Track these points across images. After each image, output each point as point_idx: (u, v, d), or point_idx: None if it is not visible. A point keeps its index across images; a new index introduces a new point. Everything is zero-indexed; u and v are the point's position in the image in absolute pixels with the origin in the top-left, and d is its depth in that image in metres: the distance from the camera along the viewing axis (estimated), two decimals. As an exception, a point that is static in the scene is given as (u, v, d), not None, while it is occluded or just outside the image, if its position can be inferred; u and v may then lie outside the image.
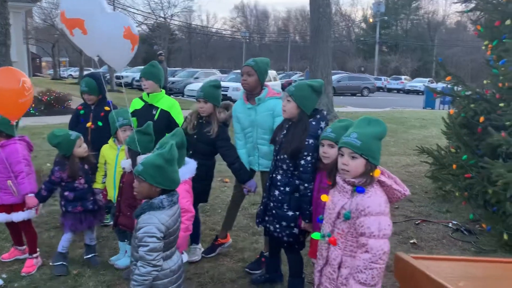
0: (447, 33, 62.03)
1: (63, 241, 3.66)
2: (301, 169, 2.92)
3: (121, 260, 3.78)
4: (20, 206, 3.60)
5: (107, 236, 4.42)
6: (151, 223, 2.34)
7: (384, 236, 2.16)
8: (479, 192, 4.71)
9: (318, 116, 2.98)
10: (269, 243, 3.52)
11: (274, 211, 3.11)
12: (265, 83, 3.68)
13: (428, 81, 35.99)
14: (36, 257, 3.73)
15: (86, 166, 3.68)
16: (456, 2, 5.61)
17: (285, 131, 3.06)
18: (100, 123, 4.32)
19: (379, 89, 37.13)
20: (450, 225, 4.96)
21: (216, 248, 4.07)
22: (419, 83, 36.52)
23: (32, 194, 3.55)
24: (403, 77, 42.64)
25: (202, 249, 4.07)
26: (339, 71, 39.82)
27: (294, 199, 3.02)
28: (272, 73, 25.47)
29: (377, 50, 51.53)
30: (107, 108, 4.33)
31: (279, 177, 3.08)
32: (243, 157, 3.77)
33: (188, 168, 3.01)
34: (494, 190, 4.21)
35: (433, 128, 12.36)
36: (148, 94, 4.11)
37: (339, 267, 2.32)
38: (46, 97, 14.05)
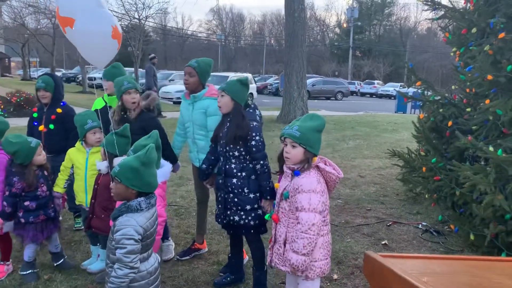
0: (419, 39, 63.61)
1: (28, 252, 3.53)
2: (253, 149, 3.17)
3: (93, 264, 3.72)
4: None
5: (79, 240, 4.35)
6: (129, 225, 2.34)
7: (314, 210, 2.50)
8: (448, 194, 4.87)
9: (252, 106, 3.36)
10: (231, 243, 3.63)
11: (236, 199, 3.24)
12: (209, 84, 3.84)
13: (400, 86, 36.73)
14: (8, 265, 3.64)
15: (45, 172, 3.54)
16: (427, 10, 5.78)
17: (228, 124, 3.25)
18: (51, 126, 4.25)
19: (352, 93, 37.72)
20: (420, 226, 5.09)
21: (192, 252, 4.08)
22: (391, 87, 37.26)
23: None
24: (375, 81, 43.47)
25: (173, 244, 4.12)
26: (314, 75, 40.30)
27: (252, 182, 3.23)
28: (248, 76, 25.51)
29: (350, 54, 52.38)
30: (59, 110, 4.28)
31: (233, 165, 3.24)
32: (177, 144, 4.04)
33: (162, 172, 3.00)
34: (461, 192, 4.36)
35: (404, 132, 12.65)
36: (108, 95, 4.14)
37: (284, 243, 2.64)
38: (15, 98, 13.68)
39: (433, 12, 5.71)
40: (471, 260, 1.87)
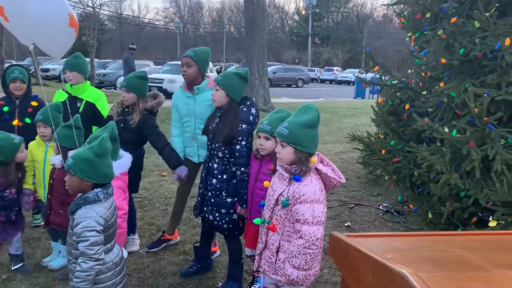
0: (375, 25, 65.02)
1: None
2: (236, 154, 2.99)
3: (55, 260, 3.61)
4: None
5: (38, 237, 4.19)
6: (89, 217, 2.29)
7: (318, 223, 2.28)
8: (406, 175, 5.03)
9: (248, 103, 3.09)
10: (203, 232, 3.55)
11: (212, 200, 3.15)
12: (207, 74, 3.68)
13: (358, 72, 37.49)
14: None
15: (20, 174, 3.37)
16: (382, -4, 5.88)
17: (217, 120, 3.10)
18: (28, 120, 4.04)
19: (313, 80, 38.16)
20: (381, 207, 5.26)
21: (161, 244, 4.02)
22: (350, 73, 37.96)
23: None
24: (335, 68, 44.14)
25: (138, 239, 4.06)
26: (275, 62, 40.46)
27: (232, 186, 3.09)
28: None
29: (310, 42, 52.83)
30: (34, 103, 4.09)
31: (215, 165, 3.11)
32: (177, 145, 3.77)
33: (120, 163, 2.91)
34: (419, 173, 4.52)
35: (363, 117, 12.95)
36: (71, 85, 3.99)
37: (277, 252, 2.43)
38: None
39: (389, -3, 5.82)
40: (432, 236, 1.96)
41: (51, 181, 3.32)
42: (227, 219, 3.13)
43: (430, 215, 4.39)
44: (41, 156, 3.55)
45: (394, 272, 1.39)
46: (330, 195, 5.66)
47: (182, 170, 3.66)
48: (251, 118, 3.04)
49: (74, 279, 2.30)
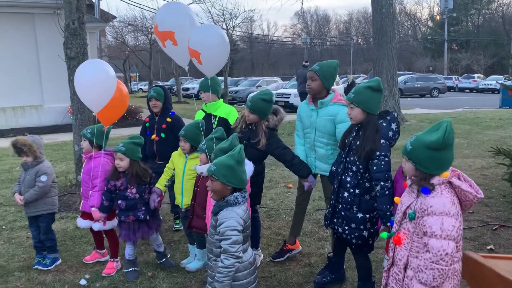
0: (525, 26, 57.64)
1: (127, 250, 3.82)
2: (374, 168, 2.90)
3: (191, 263, 3.92)
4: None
5: (178, 240, 4.62)
6: (232, 218, 2.52)
7: (448, 237, 2.12)
8: None
9: (389, 117, 3.00)
10: (335, 243, 3.52)
11: (343, 213, 3.12)
12: (333, 87, 3.67)
13: (504, 79, 33.58)
14: (117, 261, 3.98)
15: (142, 179, 3.70)
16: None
17: (354, 134, 3.05)
18: (163, 135, 4.51)
19: (449, 89, 35.32)
20: (532, 230, 4.61)
21: (285, 254, 4.10)
22: (494, 81, 34.17)
23: (96, 208, 3.73)
24: (475, 75, 40.13)
25: (262, 256, 4.10)
26: (406, 71, 38.53)
27: (364, 201, 3.02)
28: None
29: (446, 48, 49.13)
30: (168, 119, 4.54)
31: (348, 179, 3.07)
32: (301, 153, 3.81)
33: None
34: None
35: (511, 128, 11.55)
36: (206, 104, 4.31)
37: (405, 268, 2.33)
38: (119, 111, 14.93)
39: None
40: None
41: (195, 188, 3.64)
42: (356, 234, 3.07)
43: None
44: (181, 166, 3.89)
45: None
46: (470, 214, 5.16)
47: (312, 179, 3.71)
48: (390, 133, 2.97)
49: (217, 274, 2.52)
